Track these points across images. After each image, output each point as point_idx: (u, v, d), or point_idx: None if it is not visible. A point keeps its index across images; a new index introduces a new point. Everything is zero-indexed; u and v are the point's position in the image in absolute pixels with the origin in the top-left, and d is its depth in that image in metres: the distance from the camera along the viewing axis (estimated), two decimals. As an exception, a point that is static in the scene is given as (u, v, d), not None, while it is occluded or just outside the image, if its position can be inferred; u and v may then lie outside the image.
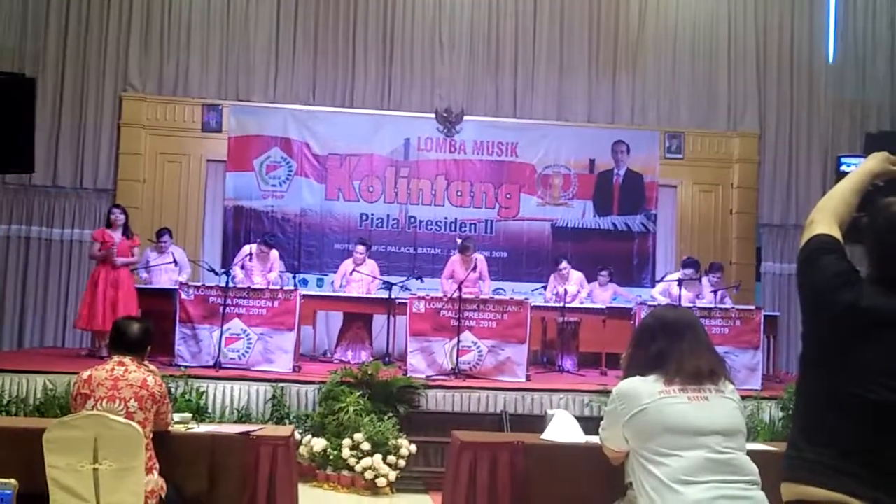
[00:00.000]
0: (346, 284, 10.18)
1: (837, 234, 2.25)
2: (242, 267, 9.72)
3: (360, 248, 10.24)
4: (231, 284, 8.86)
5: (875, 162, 2.37)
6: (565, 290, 10.04)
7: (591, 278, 10.71)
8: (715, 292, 10.03)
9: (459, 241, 10.52)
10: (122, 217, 9.19)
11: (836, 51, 12.84)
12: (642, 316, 7.59)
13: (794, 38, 12.69)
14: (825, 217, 2.28)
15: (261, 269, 9.72)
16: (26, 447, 3.90)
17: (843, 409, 2.07)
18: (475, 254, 10.15)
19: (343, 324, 10.24)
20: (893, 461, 1.99)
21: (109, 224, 9.19)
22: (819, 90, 12.69)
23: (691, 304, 9.24)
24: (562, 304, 9.79)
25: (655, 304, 9.15)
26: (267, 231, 11.22)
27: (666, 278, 10.40)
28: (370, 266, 10.28)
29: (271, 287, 9.06)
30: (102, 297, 8.84)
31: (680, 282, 9.70)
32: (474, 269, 9.85)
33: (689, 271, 9.89)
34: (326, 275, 11.34)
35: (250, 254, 9.70)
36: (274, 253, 9.92)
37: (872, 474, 1.99)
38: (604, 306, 10.17)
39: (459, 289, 8.73)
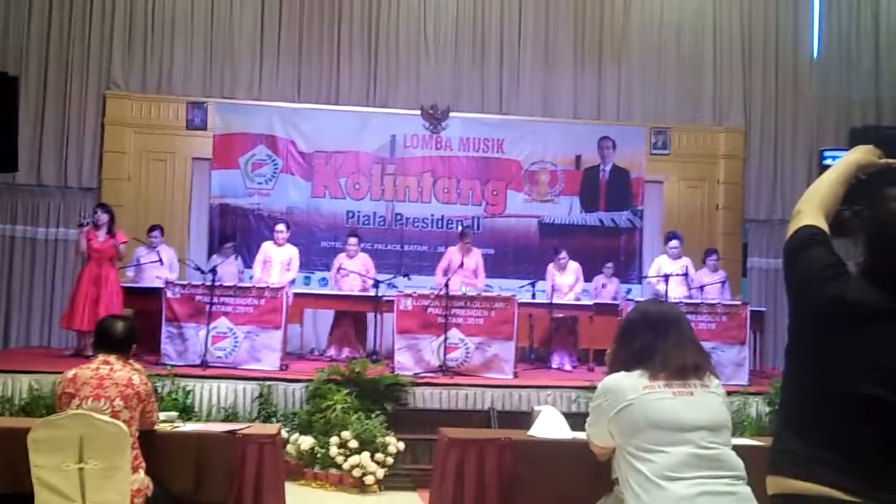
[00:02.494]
0: (341, 279, 10.12)
1: (824, 225, 2.22)
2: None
3: (353, 240, 10.24)
4: (216, 283, 8.80)
5: (861, 153, 2.35)
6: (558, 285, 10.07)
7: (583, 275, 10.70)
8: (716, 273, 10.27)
9: (460, 228, 10.83)
10: (104, 217, 9.10)
11: (820, 46, 12.88)
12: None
13: (778, 34, 12.73)
14: (812, 208, 2.26)
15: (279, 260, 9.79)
16: (11, 447, 3.88)
17: (828, 403, 2.06)
18: (474, 248, 10.30)
19: (333, 322, 10.22)
20: (877, 454, 1.98)
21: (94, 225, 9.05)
22: (804, 85, 12.73)
23: (677, 301, 9.25)
24: (549, 302, 9.80)
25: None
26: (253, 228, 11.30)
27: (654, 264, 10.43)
28: (363, 259, 10.26)
29: (258, 285, 9.02)
30: (86, 296, 8.78)
31: (666, 277, 9.70)
32: (469, 253, 10.07)
33: (673, 242, 9.97)
34: (313, 272, 11.29)
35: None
36: (292, 249, 9.89)
37: (857, 468, 1.99)
38: (591, 302, 10.17)
39: (447, 285, 8.73)
